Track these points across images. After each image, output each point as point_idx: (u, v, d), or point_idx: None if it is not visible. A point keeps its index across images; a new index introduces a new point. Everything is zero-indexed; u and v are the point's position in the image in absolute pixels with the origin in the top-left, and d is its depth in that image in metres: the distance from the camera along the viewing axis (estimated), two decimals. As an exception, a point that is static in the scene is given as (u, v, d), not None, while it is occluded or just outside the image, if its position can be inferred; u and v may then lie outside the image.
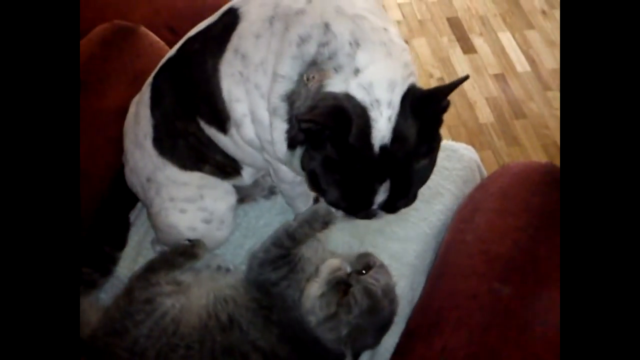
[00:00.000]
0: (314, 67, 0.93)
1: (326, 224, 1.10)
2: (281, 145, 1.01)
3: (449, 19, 2.84)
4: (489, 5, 2.90)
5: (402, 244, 1.26)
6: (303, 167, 0.98)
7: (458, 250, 1.13)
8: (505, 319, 0.96)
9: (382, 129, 0.88)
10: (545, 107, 2.47)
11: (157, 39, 1.43)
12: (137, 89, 1.24)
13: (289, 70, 0.95)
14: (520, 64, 2.63)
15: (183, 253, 1.18)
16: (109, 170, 1.30)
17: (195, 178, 1.20)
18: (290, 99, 0.96)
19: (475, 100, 2.48)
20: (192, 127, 1.14)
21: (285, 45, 0.95)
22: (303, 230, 1.09)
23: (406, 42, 2.72)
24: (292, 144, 0.98)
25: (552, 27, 2.78)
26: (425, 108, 0.90)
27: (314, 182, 0.97)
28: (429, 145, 0.94)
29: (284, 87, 0.96)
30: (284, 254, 1.08)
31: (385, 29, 0.95)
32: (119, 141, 1.27)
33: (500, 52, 2.69)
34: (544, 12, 2.86)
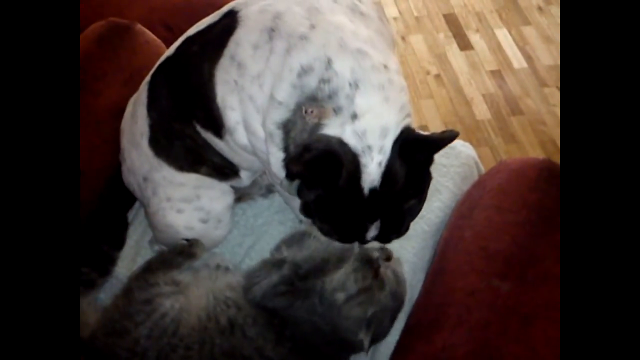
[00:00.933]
0: (314, 102, 0.93)
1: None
2: (278, 171, 1.02)
3: (445, 16, 2.84)
4: (485, 1, 2.90)
5: (401, 241, 1.24)
6: (299, 196, 1.00)
7: (456, 247, 1.13)
8: (505, 315, 0.96)
9: (372, 173, 0.90)
10: (542, 104, 2.47)
11: (153, 36, 1.42)
12: (133, 87, 1.23)
13: (287, 97, 0.95)
14: (517, 60, 2.64)
15: (181, 252, 1.18)
16: (106, 168, 1.30)
17: (191, 179, 1.20)
18: (286, 127, 0.96)
19: (472, 97, 2.48)
20: (189, 129, 1.13)
21: (285, 69, 0.94)
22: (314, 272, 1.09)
23: (402, 38, 2.74)
24: (289, 177, 0.99)
25: (549, 23, 2.79)
26: (415, 153, 0.92)
27: (307, 213, 1.00)
28: (418, 186, 0.97)
29: (280, 114, 0.96)
30: (291, 290, 1.07)
31: (385, 67, 0.94)
32: (115, 139, 1.26)
33: (496, 48, 2.69)
34: (540, 8, 2.86)
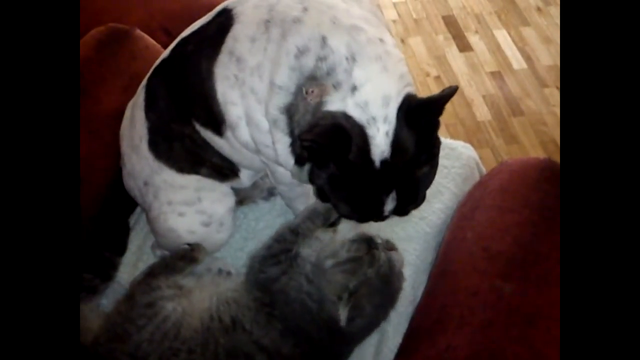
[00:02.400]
0: (314, 81, 0.93)
1: (327, 219, 1.13)
2: (287, 158, 1.02)
3: (444, 17, 2.84)
4: (484, 3, 2.90)
5: (403, 243, 1.26)
6: (311, 182, 0.99)
7: (459, 248, 1.13)
8: (508, 315, 0.96)
9: (380, 144, 0.90)
10: (543, 104, 2.47)
11: (153, 41, 1.42)
12: (133, 92, 1.23)
13: (287, 80, 0.95)
14: (517, 61, 2.64)
15: (183, 257, 1.18)
16: (106, 174, 1.30)
17: (192, 181, 1.19)
18: (289, 111, 0.97)
19: (473, 99, 2.48)
20: (188, 129, 1.14)
21: (282, 54, 0.95)
22: (305, 226, 1.11)
23: (402, 41, 2.74)
24: (299, 161, 0.99)
25: (548, 23, 2.79)
26: (420, 118, 0.92)
27: (323, 197, 0.99)
28: (429, 152, 0.96)
29: (282, 99, 0.96)
30: (286, 248, 1.09)
31: (381, 40, 0.94)
32: (115, 145, 1.26)
33: (496, 49, 2.69)
34: (539, 9, 2.86)
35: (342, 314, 0.99)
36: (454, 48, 2.70)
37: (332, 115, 0.91)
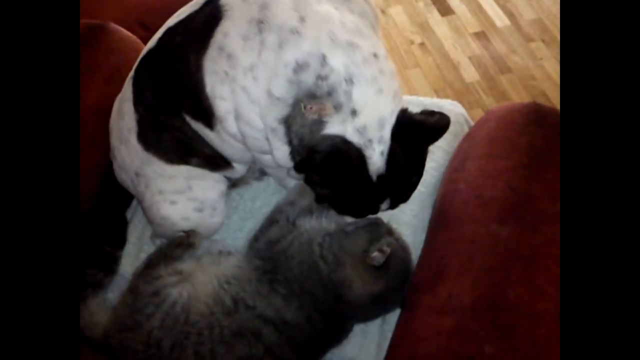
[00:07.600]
0: (314, 99, 0.95)
1: None
2: (286, 163, 1.06)
3: (422, -16, 2.83)
4: (460, -35, 2.88)
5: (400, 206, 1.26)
6: (310, 186, 1.05)
7: (453, 199, 1.13)
8: (507, 258, 0.96)
9: (376, 162, 0.96)
10: (529, 59, 2.46)
11: (128, 33, 1.42)
12: (114, 85, 1.23)
13: (285, 93, 0.96)
14: (499, 19, 2.62)
15: (180, 244, 1.18)
16: (95, 169, 1.30)
17: (182, 170, 1.20)
18: (287, 122, 0.99)
19: (459, 61, 2.47)
20: (177, 121, 1.14)
21: (280, 65, 0.95)
22: (300, 198, 1.15)
23: (382, 11, 2.72)
24: (298, 169, 1.02)
25: (527, -23, 2.77)
26: (412, 137, 0.98)
27: (320, 202, 1.06)
28: (419, 163, 1.04)
29: (280, 110, 0.98)
30: (285, 216, 1.14)
31: (375, 55, 0.96)
32: (101, 139, 1.26)
33: (477, 10, 2.67)
34: (516, -35, 2.84)
35: (376, 254, 1.01)
36: (436, 13, 2.69)
37: (331, 139, 0.94)
